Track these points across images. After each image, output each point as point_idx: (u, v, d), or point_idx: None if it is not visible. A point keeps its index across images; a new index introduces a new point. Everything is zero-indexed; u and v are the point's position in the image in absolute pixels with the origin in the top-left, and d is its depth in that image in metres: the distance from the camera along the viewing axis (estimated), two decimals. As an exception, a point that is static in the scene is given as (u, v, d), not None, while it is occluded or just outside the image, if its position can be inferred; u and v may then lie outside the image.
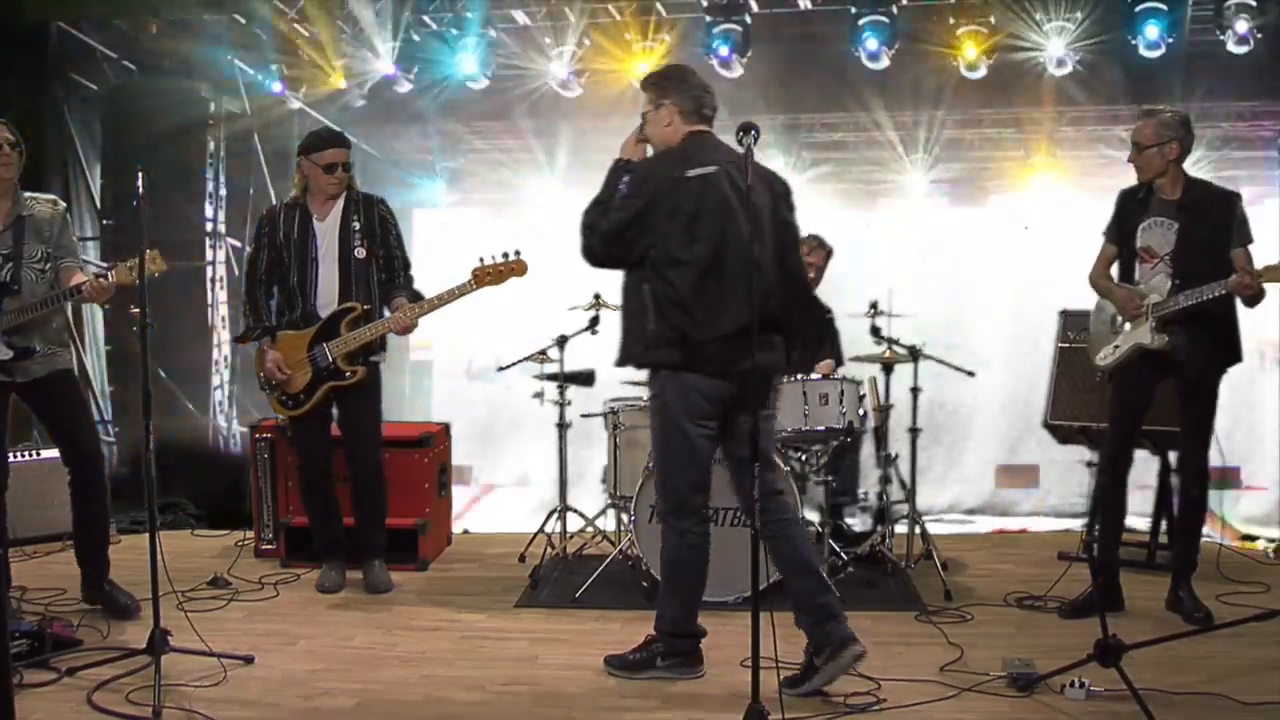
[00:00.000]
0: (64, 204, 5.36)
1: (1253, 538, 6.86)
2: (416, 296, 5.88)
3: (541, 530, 6.50)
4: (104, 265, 5.05)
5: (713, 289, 4.27)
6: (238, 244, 8.53)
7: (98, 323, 8.23)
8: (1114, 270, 5.36)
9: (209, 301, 8.44)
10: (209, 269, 8.44)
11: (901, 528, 6.25)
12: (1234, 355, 5.20)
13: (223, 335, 8.51)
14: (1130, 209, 5.27)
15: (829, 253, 6.64)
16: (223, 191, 8.54)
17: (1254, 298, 4.95)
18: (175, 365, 7.82)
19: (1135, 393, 5.29)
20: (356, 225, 5.76)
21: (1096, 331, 5.50)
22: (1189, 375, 5.14)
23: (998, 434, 7.86)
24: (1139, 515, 6.43)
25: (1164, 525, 6.25)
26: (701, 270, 4.27)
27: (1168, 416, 5.43)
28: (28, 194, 5.22)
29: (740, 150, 4.02)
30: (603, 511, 6.43)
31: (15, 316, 5.07)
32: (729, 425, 4.43)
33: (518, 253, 5.57)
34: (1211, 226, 5.06)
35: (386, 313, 5.85)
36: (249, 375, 8.40)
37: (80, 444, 5.28)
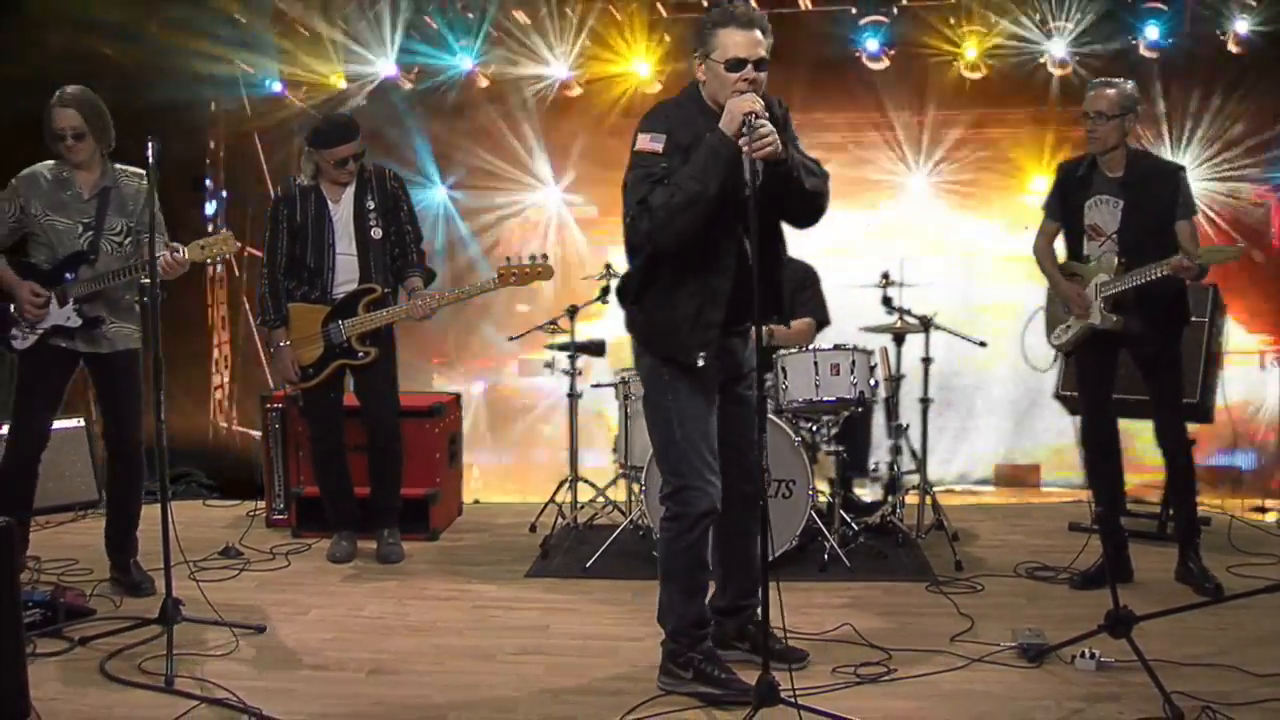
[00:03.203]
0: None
1: (1263, 509, 6.84)
2: (430, 275, 5.90)
3: (552, 500, 6.52)
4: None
5: None
6: (238, 244, 8.51)
7: None
8: (1059, 244, 5.36)
9: (209, 302, 8.43)
10: (209, 269, 8.43)
11: (912, 498, 6.25)
12: (1185, 319, 5.24)
13: (222, 335, 8.50)
14: (1072, 185, 5.23)
15: None
16: (223, 191, 8.52)
17: (1196, 276, 4.95)
18: (174, 365, 7.81)
19: (1095, 368, 5.30)
20: (371, 205, 5.75)
21: (1051, 311, 5.48)
22: (1149, 351, 5.15)
23: (1009, 405, 7.83)
24: (1150, 486, 6.43)
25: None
26: None
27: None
28: (118, 165, 5.22)
29: None
30: (613, 481, 6.45)
31: (88, 285, 5.10)
32: None
33: (545, 256, 5.65)
34: (1156, 202, 5.04)
35: (401, 291, 5.86)
36: (249, 376, 8.42)
37: (124, 428, 5.29)
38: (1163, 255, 4.93)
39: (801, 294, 6.46)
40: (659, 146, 3.86)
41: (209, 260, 5.06)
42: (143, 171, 5.24)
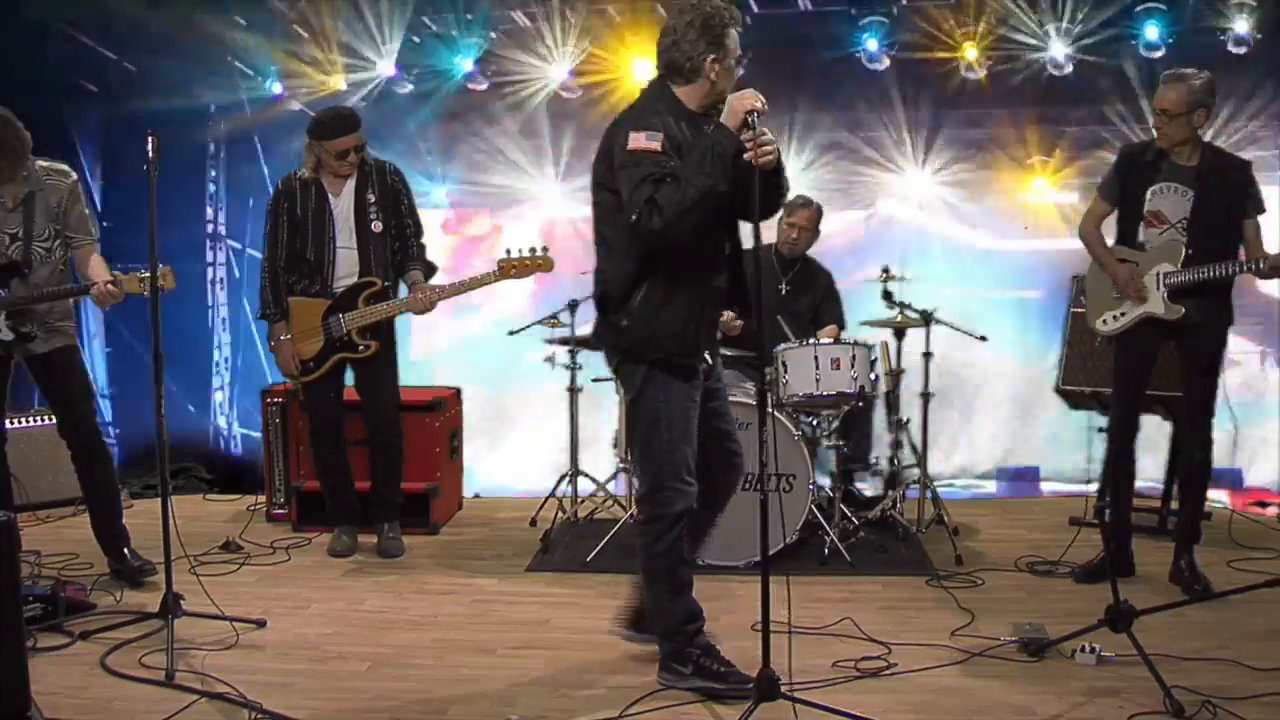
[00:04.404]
0: (75, 175, 5.25)
1: (1264, 504, 6.84)
2: (430, 269, 5.90)
3: (553, 494, 6.52)
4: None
5: None
6: (238, 245, 8.50)
7: (93, 323, 8.20)
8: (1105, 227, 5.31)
9: (209, 303, 8.43)
10: (209, 270, 8.43)
11: (913, 492, 6.25)
12: (1232, 318, 5.19)
13: (223, 337, 8.50)
14: (1138, 170, 5.16)
15: (816, 212, 6.57)
16: (223, 192, 8.52)
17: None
18: (175, 366, 7.80)
19: (1142, 359, 5.26)
20: (372, 198, 5.75)
21: (1096, 295, 5.37)
22: (1205, 344, 5.10)
23: (1009, 400, 7.83)
24: (1150, 480, 6.42)
25: (1175, 490, 6.24)
26: None
27: (1178, 382, 5.40)
28: (40, 163, 5.12)
29: None
30: (614, 476, 6.45)
31: (21, 300, 5.04)
32: None
33: (545, 249, 5.64)
34: (1227, 196, 5.00)
35: (402, 285, 5.86)
36: (249, 376, 8.41)
37: (76, 417, 5.27)
38: (1227, 250, 4.92)
39: (826, 301, 6.63)
40: (657, 145, 3.83)
41: (146, 294, 4.92)
42: (65, 168, 5.23)
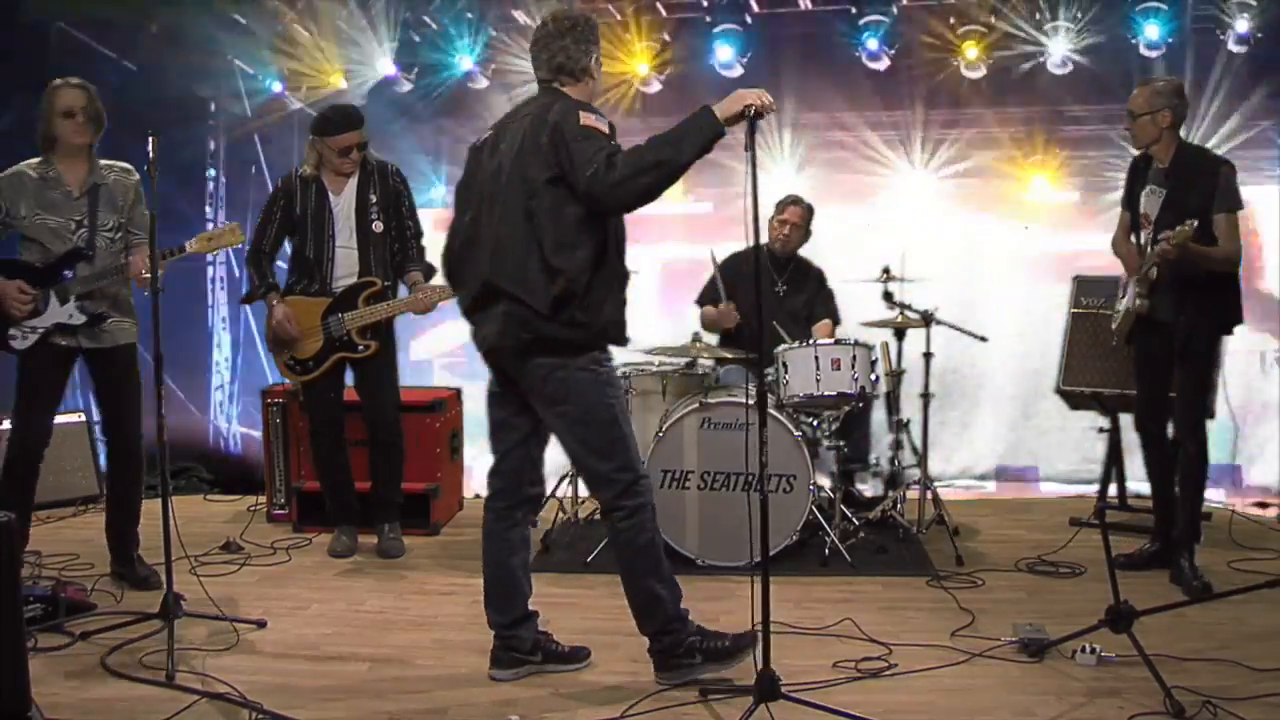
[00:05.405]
0: (138, 175, 5.33)
1: (1265, 504, 6.84)
2: (430, 270, 5.89)
3: (553, 494, 6.51)
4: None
5: (466, 259, 4.15)
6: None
7: None
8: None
9: (209, 302, 8.45)
10: (209, 269, 8.44)
11: (913, 493, 6.25)
12: (1228, 318, 5.18)
13: (223, 336, 8.51)
14: (1136, 175, 5.32)
15: (807, 210, 6.63)
16: (223, 192, 8.53)
17: (1180, 263, 4.90)
18: (175, 366, 7.81)
19: (1142, 358, 5.36)
20: (373, 198, 5.75)
21: (1117, 297, 5.57)
22: (1177, 337, 5.14)
23: (1009, 400, 7.83)
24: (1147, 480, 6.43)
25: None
26: (460, 239, 4.18)
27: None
28: (104, 161, 5.25)
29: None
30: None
31: (88, 283, 5.11)
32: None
33: None
34: (1196, 194, 5.04)
35: (402, 286, 5.86)
36: (249, 377, 8.41)
37: (126, 423, 5.30)
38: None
39: (820, 297, 6.69)
40: (605, 127, 3.86)
41: (213, 253, 5.04)
42: (129, 167, 5.33)
